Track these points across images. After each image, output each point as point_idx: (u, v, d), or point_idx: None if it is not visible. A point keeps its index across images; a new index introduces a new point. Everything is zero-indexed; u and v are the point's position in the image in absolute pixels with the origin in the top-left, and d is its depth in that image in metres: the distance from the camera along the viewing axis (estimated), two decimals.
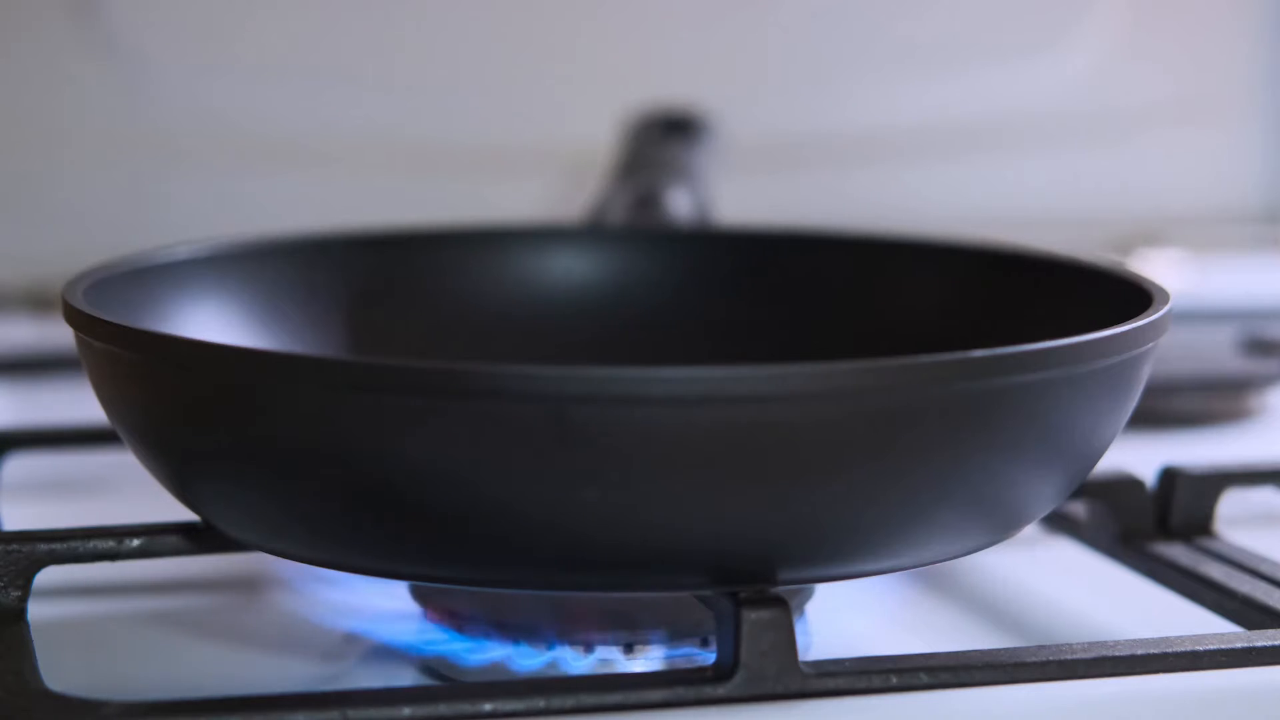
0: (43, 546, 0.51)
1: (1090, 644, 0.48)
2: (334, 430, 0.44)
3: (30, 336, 0.87)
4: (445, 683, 0.49)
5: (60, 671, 0.47)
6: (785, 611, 0.45)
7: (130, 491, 0.58)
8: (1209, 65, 1.09)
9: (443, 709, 0.44)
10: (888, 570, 0.47)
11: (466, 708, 0.44)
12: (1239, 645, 0.48)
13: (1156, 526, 0.58)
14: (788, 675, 0.45)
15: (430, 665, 0.50)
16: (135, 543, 0.52)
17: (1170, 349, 0.53)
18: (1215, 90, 1.09)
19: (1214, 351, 0.80)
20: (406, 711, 0.44)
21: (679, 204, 0.75)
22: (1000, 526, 0.48)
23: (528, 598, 0.50)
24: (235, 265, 0.59)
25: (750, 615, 0.45)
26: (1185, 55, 1.09)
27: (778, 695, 0.45)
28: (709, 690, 0.45)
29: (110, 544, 0.52)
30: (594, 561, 0.44)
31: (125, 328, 0.48)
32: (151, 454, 0.49)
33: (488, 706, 0.44)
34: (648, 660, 0.49)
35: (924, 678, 0.46)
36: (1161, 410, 0.74)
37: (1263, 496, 0.64)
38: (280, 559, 0.50)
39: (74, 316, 0.49)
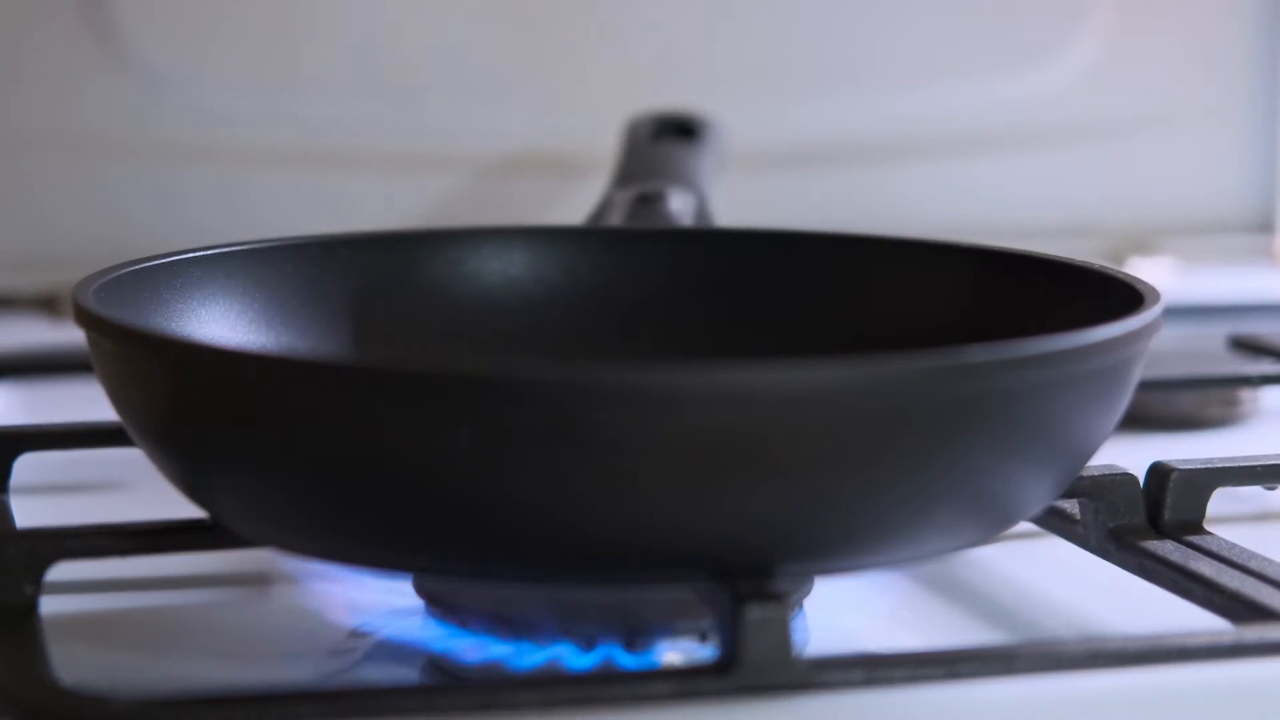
0: (55, 543, 0.52)
1: (1082, 639, 0.48)
2: (337, 429, 0.44)
3: (42, 338, 0.88)
4: (449, 679, 0.50)
5: (72, 666, 0.47)
6: (783, 607, 0.45)
7: (140, 489, 0.58)
8: (1200, 75, 1.09)
9: (446, 704, 0.44)
10: (881, 565, 0.47)
11: (470, 703, 0.44)
12: (1228, 640, 0.49)
13: (1148, 523, 0.58)
14: (786, 670, 0.45)
15: (434, 661, 0.51)
16: (145, 539, 0.53)
17: (1161, 350, 0.53)
18: (1206, 100, 1.09)
19: (1205, 353, 0.80)
20: (411, 707, 0.44)
21: (679, 204, 0.75)
22: (993, 523, 0.48)
23: (530, 594, 0.50)
24: (242, 267, 0.59)
25: (749, 611, 0.45)
26: (1176, 65, 1.09)
27: (776, 689, 0.45)
28: (708, 685, 0.45)
29: (121, 540, 0.53)
30: (593, 555, 0.45)
31: (134, 329, 0.49)
32: (160, 453, 0.49)
33: (491, 702, 0.44)
34: (648, 656, 0.50)
35: (919, 672, 0.46)
36: (1153, 412, 0.74)
37: (1252, 494, 0.64)
38: (287, 555, 0.50)
39: (84, 317, 0.50)
